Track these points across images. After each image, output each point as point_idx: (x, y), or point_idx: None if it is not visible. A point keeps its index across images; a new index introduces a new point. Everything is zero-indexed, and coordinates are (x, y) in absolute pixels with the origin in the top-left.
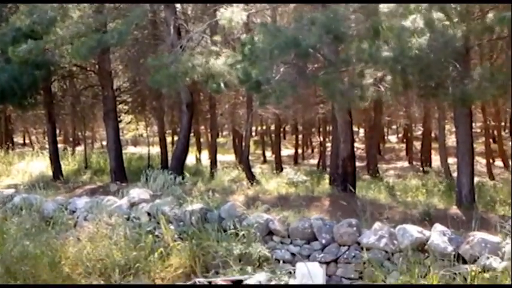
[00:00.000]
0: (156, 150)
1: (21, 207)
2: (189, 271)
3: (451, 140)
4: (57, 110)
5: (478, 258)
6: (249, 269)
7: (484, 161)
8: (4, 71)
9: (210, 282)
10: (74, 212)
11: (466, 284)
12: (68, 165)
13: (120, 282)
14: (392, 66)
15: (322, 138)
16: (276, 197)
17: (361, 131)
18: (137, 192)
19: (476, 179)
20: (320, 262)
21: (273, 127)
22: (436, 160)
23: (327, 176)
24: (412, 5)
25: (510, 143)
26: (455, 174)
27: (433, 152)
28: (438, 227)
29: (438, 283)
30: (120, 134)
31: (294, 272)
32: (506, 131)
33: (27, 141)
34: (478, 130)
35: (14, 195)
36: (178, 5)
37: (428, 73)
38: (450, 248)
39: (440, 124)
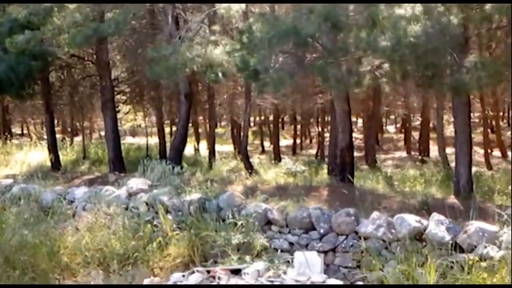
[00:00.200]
0: (154, 140)
1: (19, 197)
2: (188, 260)
3: (449, 130)
4: (55, 100)
5: (476, 247)
6: (248, 258)
7: (482, 151)
8: (1, 61)
9: (208, 272)
10: (72, 202)
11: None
12: (66, 155)
13: (119, 271)
14: (390, 55)
15: (320, 129)
16: (274, 187)
17: (360, 121)
18: (135, 182)
19: (474, 169)
20: (318, 251)
21: (271, 117)
22: (434, 150)
23: (325, 166)
24: None
25: (508, 133)
26: (453, 164)
27: (431, 142)
28: (436, 216)
29: (435, 272)
30: (119, 124)
31: (292, 261)
32: (505, 121)
33: (25, 131)
34: (476, 120)
35: (13, 185)
36: None
37: (425, 62)
38: (448, 237)
39: (439, 114)
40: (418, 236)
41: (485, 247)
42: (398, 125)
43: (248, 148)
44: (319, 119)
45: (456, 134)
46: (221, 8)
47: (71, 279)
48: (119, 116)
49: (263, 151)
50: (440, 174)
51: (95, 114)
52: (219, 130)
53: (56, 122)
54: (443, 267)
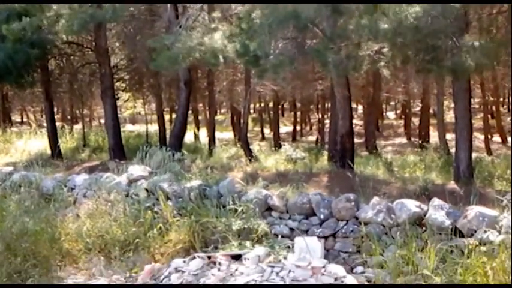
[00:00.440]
0: (154, 128)
1: (20, 184)
2: (189, 246)
3: (449, 116)
4: (55, 88)
5: (476, 231)
6: (248, 243)
7: (482, 137)
8: None
9: (209, 257)
10: (72, 189)
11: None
12: (66, 143)
13: (120, 257)
14: (392, 39)
15: (320, 115)
16: (274, 174)
17: (360, 107)
18: (136, 169)
19: (474, 155)
20: (318, 237)
21: (271, 104)
22: (434, 136)
23: (325, 153)
24: None
25: (509, 119)
26: (453, 150)
27: (431, 128)
28: (436, 201)
29: (435, 256)
30: (118, 112)
31: (293, 247)
32: (505, 106)
33: (24, 119)
34: (477, 106)
35: (13, 173)
36: None
37: (425, 45)
38: (448, 222)
39: (439, 100)
40: (418, 221)
41: (485, 232)
42: (398, 111)
43: (248, 135)
44: (319, 106)
45: (456, 120)
46: None
47: (72, 266)
48: (119, 103)
49: (263, 138)
50: (440, 160)
51: (94, 102)
52: (219, 117)
53: (55, 109)
54: (443, 251)
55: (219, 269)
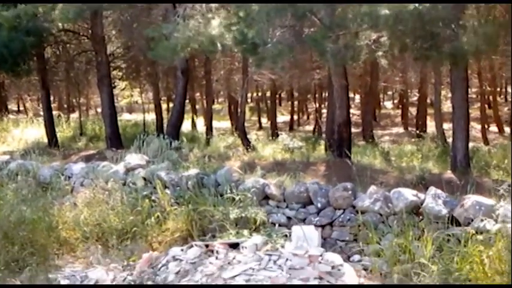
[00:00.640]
0: (151, 117)
1: (17, 173)
2: (186, 235)
3: (447, 106)
4: (51, 76)
5: (472, 220)
6: (246, 232)
7: (479, 127)
8: None
9: (207, 246)
10: (70, 177)
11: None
12: (63, 132)
13: (118, 246)
14: (393, 26)
15: (317, 105)
16: (271, 163)
17: (357, 97)
18: (133, 158)
19: (471, 144)
20: (315, 225)
21: (268, 93)
22: (431, 126)
23: (322, 142)
24: None
25: (506, 109)
26: (450, 140)
27: (428, 117)
28: (433, 190)
29: (432, 245)
30: (115, 100)
31: (290, 235)
32: (502, 96)
33: (21, 108)
34: (474, 96)
35: (10, 162)
36: None
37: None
38: (444, 211)
39: (437, 89)
40: (415, 210)
41: (482, 220)
42: (395, 101)
43: (245, 124)
44: (317, 95)
45: (454, 109)
46: None
47: (69, 254)
48: (115, 92)
49: (260, 127)
50: (437, 150)
51: (91, 91)
52: (216, 106)
53: (52, 98)
54: (440, 240)
55: (216, 257)
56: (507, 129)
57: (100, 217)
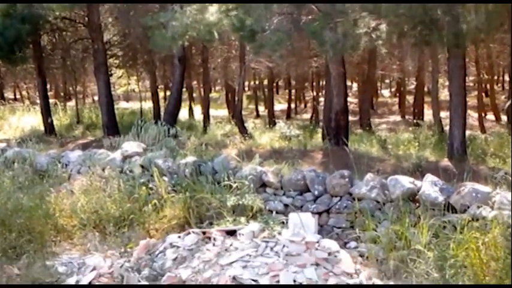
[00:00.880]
0: (148, 105)
1: (13, 160)
2: (183, 222)
3: (444, 94)
4: (47, 64)
5: (469, 207)
6: (243, 219)
7: (476, 115)
8: None
9: (204, 233)
10: (66, 165)
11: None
12: (59, 120)
13: (115, 233)
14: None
15: (315, 93)
16: (269, 151)
17: (355, 85)
18: (130, 145)
19: (467, 132)
20: (312, 212)
21: (266, 82)
22: (428, 114)
23: (319, 131)
24: None
25: (503, 97)
26: (447, 128)
27: (425, 106)
28: (429, 177)
29: (428, 232)
30: (112, 89)
31: (287, 222)
32: (499, 84)
33: (18, 96)
34: (471, 84)
35: (6, 150)
36: None
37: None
38: (441, 198)
39: (434, 77)
40: (412, 197)
41: (478, 207)
42: (393, 89)
43: (243, 112)
44: (314, 83)
45: (451, 97)
46: None
47: (67, 241)
48: (112, 80)
49: (258, 115)
50: (434, 138)
51: (87, 79)
52: (213, 94)
53: (48, 86)
54: (436, 227)
55: (213, 244)
56: (504, 118)
57: (97, 204)
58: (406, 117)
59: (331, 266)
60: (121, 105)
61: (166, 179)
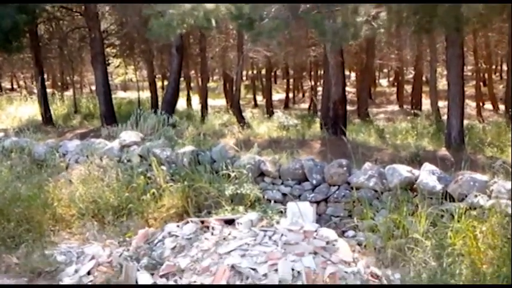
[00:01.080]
0: (146, 95)
1: (11, 150)
2: (182, 211)
3: (442, 84)
4: (44, 53)
5: (466, 196)
6: (241, 208)
7: (473, 105)
8: None
9: (202, 222)
10: (64, 154)
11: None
12: (57, 109)
13: (114, 222)
14: None
15: (313, 82)
16: (267, 140)
17: (353, 75)
18: (128, 135)
19: (465, 122)
20: (310, 201)
21: (264, 71)
22: (426, 104)
23: (317, 120)
24: None
25: (501, 86)
26: (445, 118)
27: (423, 95)
28: (427, 166)
29: (426, 220)
30: (109, 78)
31: (285, 211)
32: (497, 74)
33: (15, 86)
34: (469, 73)
35: (4, 139)
36: None
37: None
38: (439, 187)
39: (432, 66)
40: (409, 186)
41: (476, 196)
42: (391, 79)
43: (240, 102)
44: (312, 73)
45: (449, 86)
46: None
47: (65, 231)
48: (110, 70)
49: (255, 105)
50: (432, 127)
51: (85, 68)
52: (211, 84)
53: (45, 76)
54: (434, 215)
55: (212, 233)
56: (502, 107)
57: (95, 194)
58: (404, 106)
59: (329, 255)
60: (119, 95)
61: (164, 168)
